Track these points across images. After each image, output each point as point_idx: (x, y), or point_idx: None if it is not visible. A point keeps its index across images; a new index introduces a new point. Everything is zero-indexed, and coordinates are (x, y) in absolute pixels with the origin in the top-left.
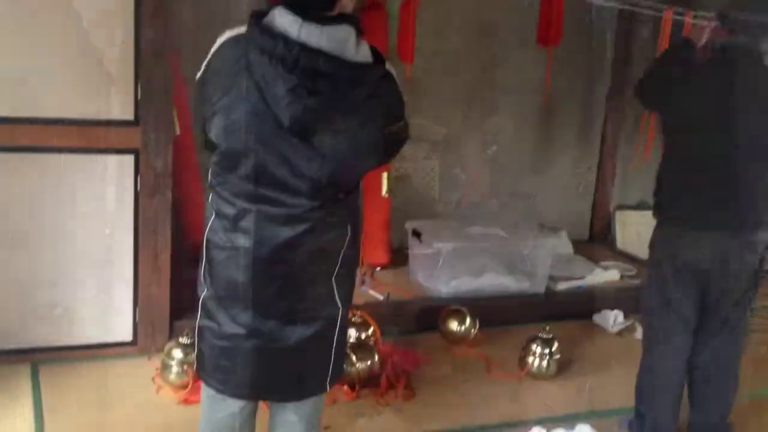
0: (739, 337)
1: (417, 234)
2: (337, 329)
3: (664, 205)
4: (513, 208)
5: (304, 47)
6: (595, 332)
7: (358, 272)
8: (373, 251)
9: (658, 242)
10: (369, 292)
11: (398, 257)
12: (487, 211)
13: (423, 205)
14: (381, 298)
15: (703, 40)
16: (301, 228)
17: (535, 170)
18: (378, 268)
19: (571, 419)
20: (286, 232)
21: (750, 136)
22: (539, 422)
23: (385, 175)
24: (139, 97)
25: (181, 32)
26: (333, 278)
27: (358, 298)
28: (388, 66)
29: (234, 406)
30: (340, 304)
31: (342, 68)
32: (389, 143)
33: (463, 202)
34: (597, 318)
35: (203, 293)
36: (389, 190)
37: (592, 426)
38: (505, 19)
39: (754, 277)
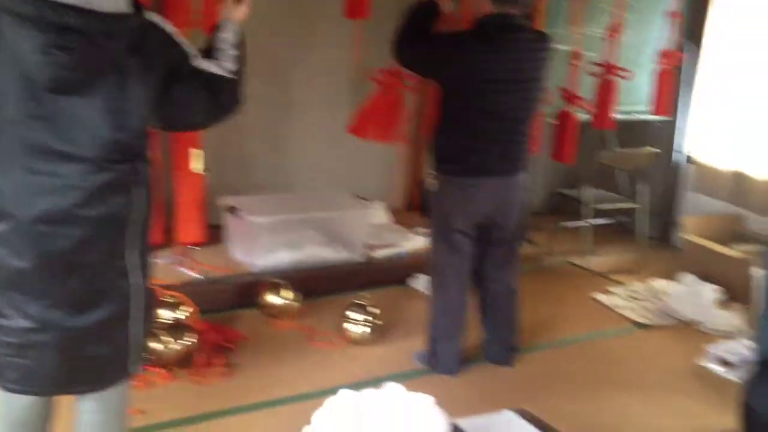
0: (518, 266)
1: (232, 210)
2: (133, 308)
3: (448, 160)
4: (330, 181)
5: (50, 2)
6: (413, 296)
7: (173, 251)
8: (188, 229)
9: (444, 193)
10: (184, 271)
11: (216, 235)
12: (305, 185)
13: (241, 181)
14: (197, 276)
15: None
16: (76, 198)
17: (350, 142)
18: (194, 247)
19: (391, 381)
20: (59, 204)
21: (518, 96)
22: (358, 386)
23: (195, 150)
24: None
25: None
26: (124, 253)
27: (172, 278)
28: (149, 15)
29: (30, 401)
30: (133, 280)
31: (93, 21)
32: (184, 97)
33: (280, 177)
34: (414, 282)
35: None
36: (203, 167)
37: (406, 386)
38: None
39: (526, 212)
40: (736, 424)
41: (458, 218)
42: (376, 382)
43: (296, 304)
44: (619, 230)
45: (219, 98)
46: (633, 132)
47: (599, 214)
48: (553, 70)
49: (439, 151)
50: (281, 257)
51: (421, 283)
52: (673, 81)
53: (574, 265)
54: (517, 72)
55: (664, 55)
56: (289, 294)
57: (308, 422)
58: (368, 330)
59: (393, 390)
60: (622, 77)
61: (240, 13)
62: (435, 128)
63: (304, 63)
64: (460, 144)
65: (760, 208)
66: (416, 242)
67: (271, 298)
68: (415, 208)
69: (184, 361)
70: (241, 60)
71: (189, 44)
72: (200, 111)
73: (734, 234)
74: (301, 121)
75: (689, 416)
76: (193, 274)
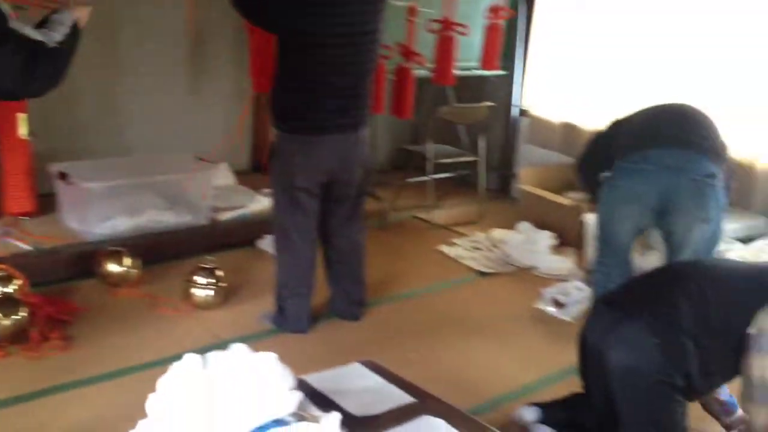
0: (363, 222)
1: (63, 176)
2: None
3: (287, 117)
4: (171, 144)
5: None
6: (260, 257)
7: (0, 223)
8: (16, 198)
9: (285, 150)
10: (13, 242)
11: (48, 204)
12: (145, 148)
13: (75, 146)
14: (27, 248)
15: None
16: None
17: (191, 104)
18: (23, 217)
19: (239, 343)
20: None
21: (356, 50)
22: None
23: (21, 114)
24: None
25: None
26: None
27: (0, 251)
28: None
29: None
30: None
31: None
32: None
33: (117, 141)
34: (261, 243)
35: None
36: (30, 132)
37: (255, 346)
38: None
39: (369, 168)
40: (575, 358)
41: (300, 176)
42: (223, 345)
43: (136, 272)
44: (460, 183)
45: (36, 66)
46: (471, 87)
47: (441, 168)
48: (391, 25)
49: (278, 108)
50: (119, 224)
51: (268, 244)
52: (501, 36)
53: (419, 219)
54: (353, 25)
55: (493, 10)
56: (128, 261)
57: (154, 390)
58: (212, 293)
59: (238, 351)
60: (460, 33)
61: (82, 16)
62: (273, 85)
63: (136, 21)
64: (298, 100)
65: None
66: (262, 203)
67: (111, 267)
68: (261, 168)
69: (17, 337)
70: (70, 39)
71: (9, 9)
72: (9, 76)
73: (567, 183)
74: (137, 82)
75: (530, 356)
76: (23, 246)
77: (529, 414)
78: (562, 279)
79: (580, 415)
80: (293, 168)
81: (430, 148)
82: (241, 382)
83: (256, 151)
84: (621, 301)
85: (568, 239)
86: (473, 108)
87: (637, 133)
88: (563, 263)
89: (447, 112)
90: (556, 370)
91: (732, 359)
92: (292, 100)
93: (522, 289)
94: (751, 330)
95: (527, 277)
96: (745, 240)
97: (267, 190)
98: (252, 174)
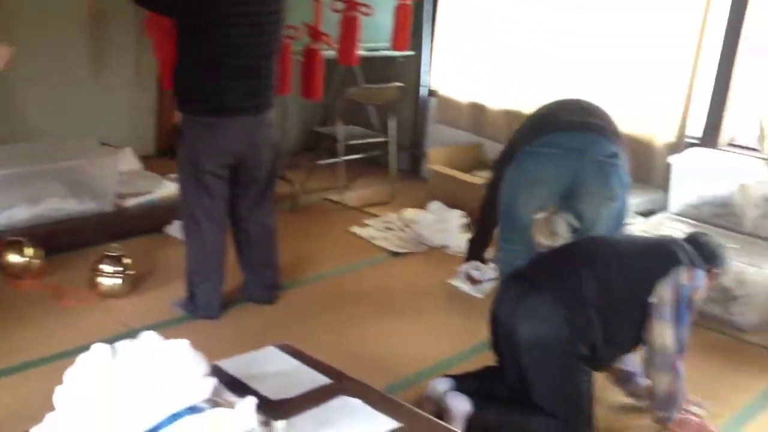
0: (274, 205)
1: None
2: None
3: (191, 99)
4: (74, 129)
5: None
6: (168, 243)
7: None
8: None
9: (190, 134)
10: None
11: None
12: (46, 134)
13: None
14: None
15: None
16: None
17: (95, 88)
18: None
19: (150, 331)
20: None
21: (258, 30)
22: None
23: None
24: None
25: None
26: None
27: None
28: None
29: None
30: None
31: None
32: None
33: (15, 127)
34: (169, 229)
35: None
36: None
37: (167, 334)
38: None
39: (278, 150)
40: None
41: (205, 159)
42: (133, 334)
43: (39, 262)
44: (371, 164)
45: None
46: (381, 68)
47: (352, 149)
48: (298, 6)
49: (182, 90)
50: (18, 213)
51: (176, 229)
52: (410, 17)
53: (331, 201)
54: (255, 5)
55: None
56: (30, 251)
57: (62, 383)
58: (120, 282)
59: (148, 339)
60: (364, 14)
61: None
62: (176, 66)
63: (34, 4)
64: (202, 82)
65: (496, 136)
66: (169, 188)
67: (11, 257)
68: (167, 153)
69: None
70: None
71: None
72: None
73: (476, 162)
74: (36, 66)
75: (445, 333)
76: None
77: (442, 384)
78: None
79: (492, 386)
80: (198, 151)
81: (340, 130)
82: (152, 370)
83: (162, 135)
84: (528, 276)
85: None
86: (382, 89)
87: (539, 123)
88: None
89: (356, 93)
90: (471, 345)
91: (635, 329)
92: (195, 82)
93: (435, 267)
94: (652, 299)
95: (439, 256)
96: (646, 214)
97: (174, 175)
98: (158, 159)
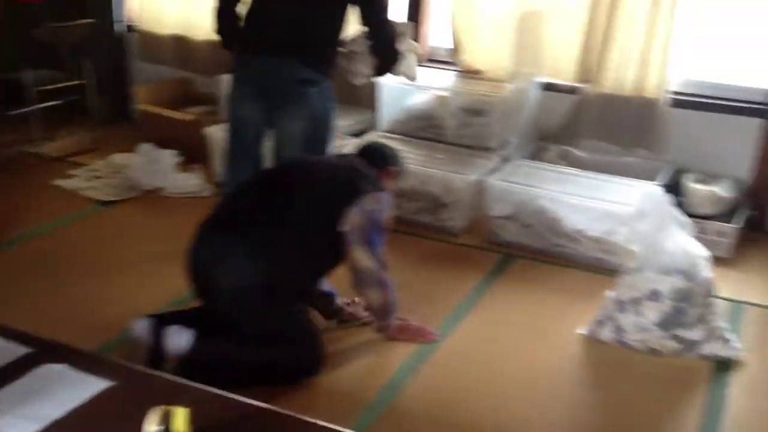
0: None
1: None
2: None
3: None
4: None
5: None
6: None
7: None
8: None
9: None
10: None
11: None
12: None
13: None
14: None
15: None
16: None
17: None
18: None
19: None
20: None
21: None
22: None
23: None
24: None
25: None
26: None
27: None
28: None
29: None
30: None
31: None
32: None
33: None
34: None
35: None
36: None
37: None
38: None
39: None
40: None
41: None
42: None
43: None
44: (71, 111)
45: None
46: (68, 4)
47: (46, 96)
48: None
49: None
50: None
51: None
52: None
53: (29, 153)
54: None
55: None
56: None
57: None
58: None
59: None
60: None
61: None
62: None
63: None
64: None
65: (203, 69)
66: None
67: None
68: None
69: None
70: None
71: None
72: None
73: (185, 97)
74: None
75: (162, 282)
76: None
77: (141, 324)
78: (191, 196)
79: (203, 316)
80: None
81: (28, 76)
82: None
83: None
84: (223, 220)
85: (194, 155)
86: (71, 26)
87: (247, 36)
88: (191, 180)
89: (42, 33)
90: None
91: (333, 255)
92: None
93: (150, 211)
94: (345, 228)
95: (155, 199)
96: (358, 134)
97: None
98: None
